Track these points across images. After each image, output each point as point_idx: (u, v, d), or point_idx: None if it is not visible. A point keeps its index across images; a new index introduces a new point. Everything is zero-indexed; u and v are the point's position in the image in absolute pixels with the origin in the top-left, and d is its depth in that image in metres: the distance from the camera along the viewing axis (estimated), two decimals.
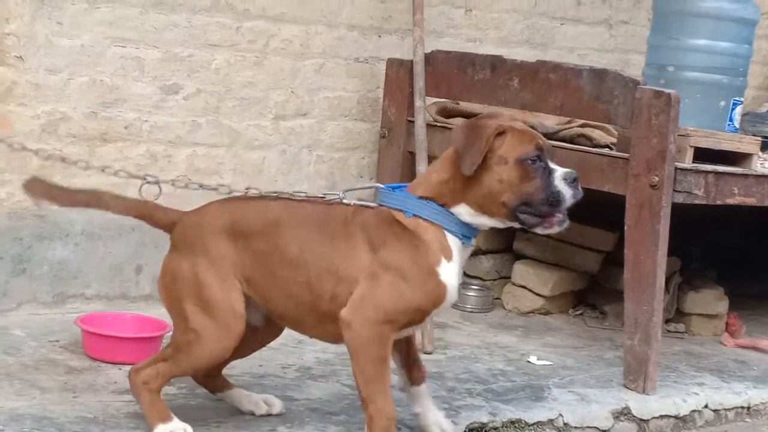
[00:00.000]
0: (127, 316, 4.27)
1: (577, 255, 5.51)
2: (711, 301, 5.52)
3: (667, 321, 5.48)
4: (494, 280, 5.66)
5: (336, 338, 3.38)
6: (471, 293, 5.45)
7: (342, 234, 3.35)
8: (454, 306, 5.32)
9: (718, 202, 4.58)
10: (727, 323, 5.51)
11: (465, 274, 5.66)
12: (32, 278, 4.49)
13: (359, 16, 5.32)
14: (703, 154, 4.62)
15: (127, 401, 3.65)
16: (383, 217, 3.36)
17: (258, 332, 3.59)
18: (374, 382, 3.28)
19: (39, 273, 4.50)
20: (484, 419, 3.90)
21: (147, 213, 3.52)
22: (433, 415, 3.66)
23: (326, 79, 5.30)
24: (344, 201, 3.44)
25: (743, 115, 6.26)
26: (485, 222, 3.37)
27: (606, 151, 4.61)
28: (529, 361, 4.68)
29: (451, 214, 3.34)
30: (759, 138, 5.02)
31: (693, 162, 4.54)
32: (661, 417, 4.35)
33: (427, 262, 3.28)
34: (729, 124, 5.32)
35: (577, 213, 5.15)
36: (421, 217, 3.33)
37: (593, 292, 5.62)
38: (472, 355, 4.69)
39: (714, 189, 4.55)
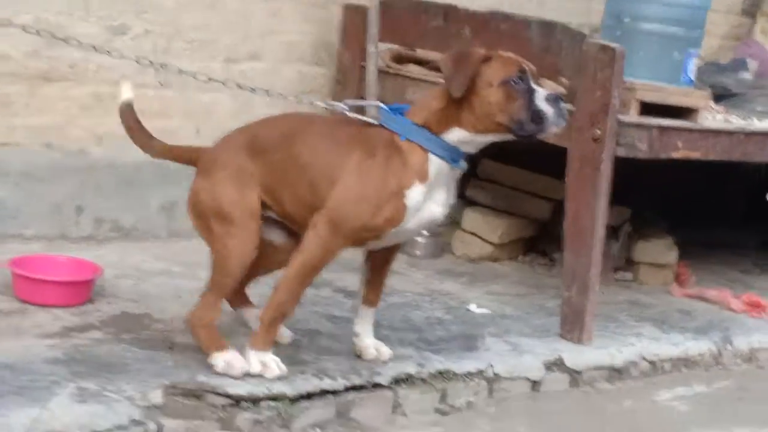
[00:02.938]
0: (62, 258, 4.26)
1: (529, 203, 5.50)
2: (661, 250, 5.52)
3: (615, 269, 5.49)
4: (445, 225, 5.63)
5: None
6: (420, 239, 5.43)
7: (345, 144, 3.60)
8: (403, 251, 5.34)
9: (662, 156, 4.56)
10: (676, 273, 5.51)
11: None
12: None
13: None
14: (652, 108, 4.58)
15: (49, 345, 3.66)
16: (383, 136, 3.59)
17: (278, 250, 3.81)
18: (295, 281, 3.55)
19: None
20: (411, 370, 3.90)
21: (180, 154, 3.83)
22: (371, 339, 3.92)
23: (281, 22, 5.25)
24: (347, 113, 3.78)
25: (705, 65, 6.22)
26: (485, 140, 3.61)
27: None
28: (468, 310, 4.68)
29: (442, 141, 3.55)
30: (709, 91, 5.00)
31: (640, 116, 4.51)
32: (595, 368, 4.36)
33: (399, 183, 3.51)
34: (684, 76, 5.24)
35: (529, 161, 5.14)
36: (413, 141, 3.54)
37: (544, 240, 5.61)
38: (413, 302, 4.70)
39: (657, 143, 4.52)
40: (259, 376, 3.60)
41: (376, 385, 3.79)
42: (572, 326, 4.43)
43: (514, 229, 5.51)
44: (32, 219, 4.64)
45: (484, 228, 5.47)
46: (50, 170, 4.65)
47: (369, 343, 3.91)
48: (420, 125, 3.59)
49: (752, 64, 6.47)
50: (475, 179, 5.62)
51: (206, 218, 3.61)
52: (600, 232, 4.38)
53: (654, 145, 4.50)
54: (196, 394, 3.49)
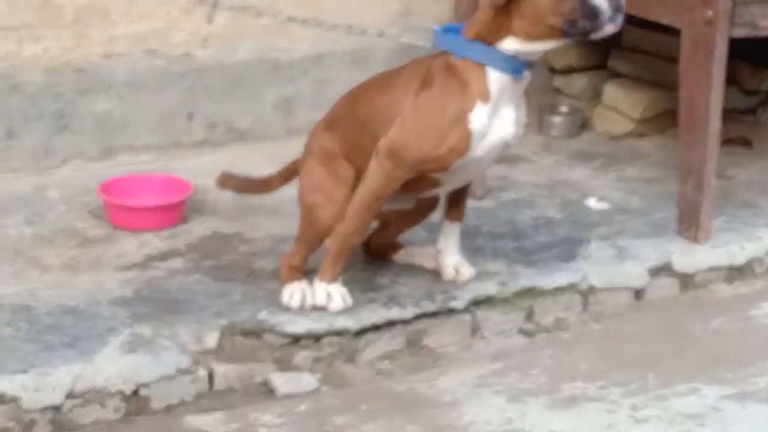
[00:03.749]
0: (156, 177, 4.26)
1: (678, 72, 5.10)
2: None
3: None
4: (590, 99, 5.33)
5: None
6: (556, 117, 5.17)
7: (399, 86, 3.44)
8: (539, 132, 5.10)
9: None
10: None
11: (558, 91, 5.41)
12: (75, 133, 4.50)
13: None
14: None
15: (122, 281, 3.68)
16: (438, 62, 3.39)
17: (410, 214, 3.81)
18: (359, 210, 3.44)
19: (82, 128, 4.51)
20: (492, 290, 3.72)
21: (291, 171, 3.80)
22: (454, 257, 3.74)
23: None
24: (401, 39, 3.78)
25: None
26: (541, 47, 3.34)
27: None
28: (586, 205, 4.43)
29: (498, 51, 3.32)
30: None
31: None
32: (710, 269, 4.06)
33: (460, 107, 3.32)
34: None
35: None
36: (468, 59, 3.33)
37: None
38: (528, 198, 4.48)
39: None
40: (324, 309, 3.52)
41: (452, 310, 3.64)
42: (689, 224, 4.13)
43: (660, 101, 5.13)
44: (142, 129, 4.62)
45: (625, 102, 5.13)
46: (156, 78, 4.60)
47: (449, 262, 3.75)
48: (472, 39, 3.35)
49: None
50: (618, 48, 5.27)
51: (302, 194, 3.60)
52: (715, 123, 4.03)
53: None
54: (255, 333, 3.45)
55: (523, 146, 4.98)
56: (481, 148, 3.37)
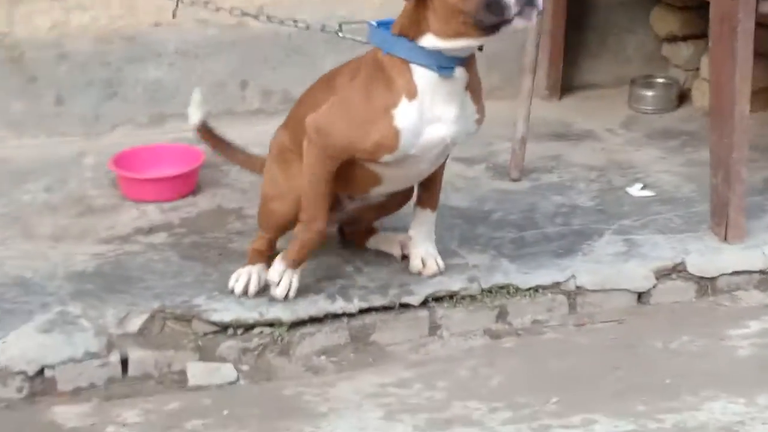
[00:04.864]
0: (169, 147, 4.23)
1: None
2: None
3: None
4: (697, 69, 4.87)
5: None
6: (648, 91, 4.76)
7: (335, 78, 3.33)
8: (634, 107, 4.73)
9: None
10: None
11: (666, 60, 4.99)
12: (125, 101, 4.52)
13: None
14: None
15: (93, 254, 3.67)
16: (369, 55, 3.25)
17: (385, 202, 3.57)
18: (308, 194, 3.28)
19: (132, 95, 4.53)
20: (456, 287, 3.48)
21: None
22: (423, 247, 3.53)
23: None
24: (339, 33, 3.52)
25: None
26: (459, 44, 3.09)
27: None
28: (627, 192, 4.06)
29: (419, 47, 3.12)
30: None
31: None
32: (736, 273, 3.63)
33: (383, 102, 3.15)
34: None
35: None
36: (394, 54, 3.16)
37: None
38: (568, 182, 4.16)
39: None
40: (262, 299, 3.39)
41: (405, 306, 3.43)
42: (719, 220, 3.72)
43: (766, 74, 4.61)
44: None
45: None
46: (206, 47, 4.56)
47: (417, 252, 3.53)
48: (398, 35, 3.14)
49: None
50: None
51: (262, 189, 3.53)
52: (742, 108, 3.60)
53: None
54: (184, 318, 3.37)
55: (598, 121, 4.65)
56: (415, 146, 3.17)
